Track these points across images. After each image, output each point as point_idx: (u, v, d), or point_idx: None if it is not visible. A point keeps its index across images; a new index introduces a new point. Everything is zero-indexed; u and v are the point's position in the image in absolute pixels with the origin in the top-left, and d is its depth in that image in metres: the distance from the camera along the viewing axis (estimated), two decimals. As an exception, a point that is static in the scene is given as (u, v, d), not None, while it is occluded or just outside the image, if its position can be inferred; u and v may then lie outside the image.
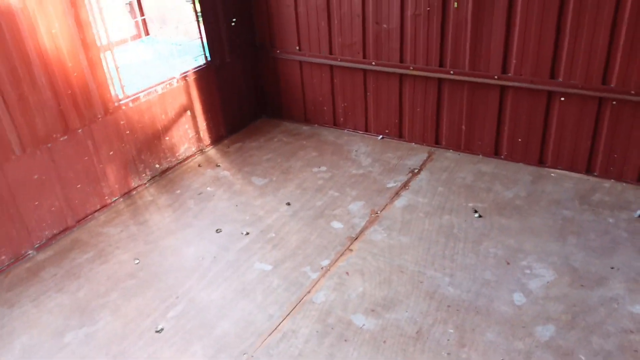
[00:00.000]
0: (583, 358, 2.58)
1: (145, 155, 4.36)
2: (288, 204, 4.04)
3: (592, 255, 3.26)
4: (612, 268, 3.15)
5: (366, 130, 4.98)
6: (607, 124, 3.78)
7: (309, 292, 3.16)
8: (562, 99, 3.87)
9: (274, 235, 3.69)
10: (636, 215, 3.57)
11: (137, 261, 3.54)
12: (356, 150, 4.74)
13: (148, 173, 4.42)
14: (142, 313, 3.11)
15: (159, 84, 4.40)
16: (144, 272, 3.44)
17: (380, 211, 3.88)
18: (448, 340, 2.75)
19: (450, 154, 4.58)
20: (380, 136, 4.91)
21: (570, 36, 3.64)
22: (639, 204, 3.69)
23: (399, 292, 3.11)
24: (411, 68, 4.39)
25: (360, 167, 4.48)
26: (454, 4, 3.96)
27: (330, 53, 4.77)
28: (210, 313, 3.07)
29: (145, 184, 4.40)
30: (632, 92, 3.56)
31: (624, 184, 3.91)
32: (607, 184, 3.96)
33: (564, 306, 2.90)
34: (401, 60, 4.44)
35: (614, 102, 3.69)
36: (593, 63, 3.64)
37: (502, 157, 4.37)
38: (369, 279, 3.22)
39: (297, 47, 4.94)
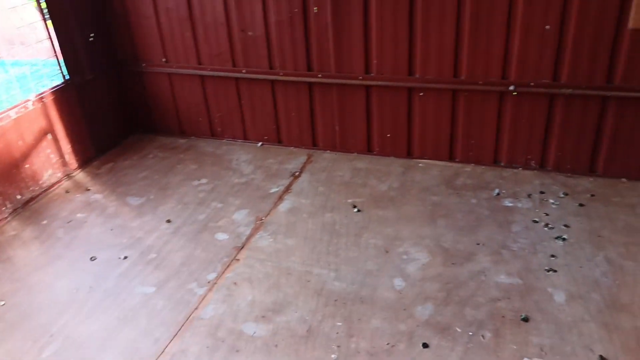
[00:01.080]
0: (459, 330, 2.78)
1: (4, 186, 3.98)
2: (168, 221, 3.90)
3: (460, 234, 3.54)
4: (478, 244, 3.44)
5: (245, 138, 4.97)
6: (463, 113, 4.13)
7: (196, 308, 3.08)
8: (421, 94, 4.16)
9: (155, 255, 3.55)
10: (494, 193, 3.93)
11: (3, 303, 3.21)
12: (237, 159, 4.72)
13: (8, 206, 4.03)
14: (13, 359, 2.82)
15: (11, 109, 4.04)
16: (11, 314, 3.13)
17: (265, 217, 3.89)
18: (337, 333, 2.83)
19: (327, 154, 4.73)
20: (260, 143, 4.93)
21: (422, 37, 3.93)
22: (496, 184, 4.07)
23: (287, 294, 3.14)
24: (281, 74, 4.47)
25: (242, 175, 4.46)
26: (314, 9, 4.09)
27: (199, 63, 4.70)
28: (91, 347, 2.87)
29: (7, 217, 4.01)
30: (480, 82, 3.93)
31: (483, 167, 4.30)
32: (469, 168, 4.32)
33: (439, 285, 3.11)
34: (270, 67, 4.49)
35: (466, 93, 4.04)
36: (444, 59, 3.96)
37: (375, 152, 4.59)
38: (258, 286, 3.22)
39: (164, 59, 4.80)
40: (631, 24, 3.31)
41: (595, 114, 3.77)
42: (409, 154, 4.50)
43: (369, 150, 4.61)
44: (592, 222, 3.53)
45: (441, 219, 3.72)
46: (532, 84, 3.79)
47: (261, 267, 3.38)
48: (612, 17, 3.43)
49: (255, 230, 3.74)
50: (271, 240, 3.64)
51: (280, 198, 4.13)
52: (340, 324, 2.89)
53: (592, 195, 3.81)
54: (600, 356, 2.54)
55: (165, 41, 4.71)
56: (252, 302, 3.09)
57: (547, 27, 3.59)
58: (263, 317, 2.99)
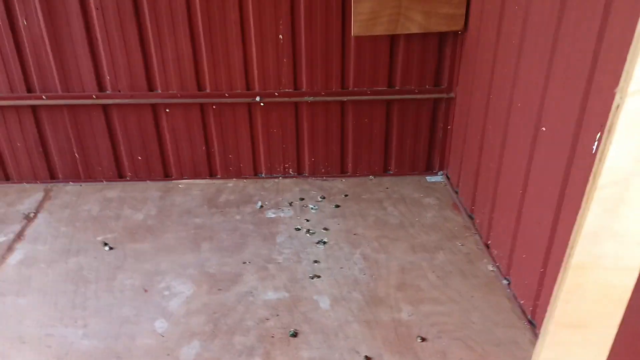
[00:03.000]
0: (229, 363, 2.57)
1: None
2: None
3: (226, 255, 3.35)
4: (244, 262, 3.29)
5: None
6: (215, 127, 3.95)
7: None
8: (167, 110, 3.86)
9: None
10: (258, 206, 3.85)
11: None
12: (-54, 208, 3.76)
13: None
14: None
15: None
16: None
17: (-11, 275, 3.14)
18: (87, 405, 2.36)
19: (70, 187, 4.09)
20: (-21, 183, 4.03)
21: (155, 48, 3.63)
22: (259, 196, 4.00)
23: (21, 371, 2.53)
24: (-5, 98, 3.70)
25: (-46, 227, 3.56)
26: (23, 22, 3.46)
27: None
28: None
29: None
30: (226, 94, 3.80)
31: (245, 180, 4.20)
32: (231, 183, 4.17)
33: (205, 317, 2.86)
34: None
35: (214, 106, 3.87)
36: (184, 72, 3.72)
37: (127, 178, 4.13)
38: (-23, 369, 2.53)
39: None
40: (353, 31, 3.54)
41: (338, 118, 3.97)
42: (167, 176, 4.16)
43: (120, 176, 4.12)
44: (347, 221, 3.69)
45: (205, 242, 3.48)
46: (276, 93, 3.81)
47: (-19, 342, 2.68)
48: (337, 27, 3.62)
49: (-26, 295, 2.98)
50: (-3, 304, 2.93)
51: (10, 249, 3.39)
52: (90, 392, 2.43)
53: (346, 196, 4.00)
54: (366, 357, 2.59)
55: None
56: (-32, 393, 2.41)
57: (280, 36, 3.62)
58: (-12, 407, 2.35)
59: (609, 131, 0.90)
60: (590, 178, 0.90)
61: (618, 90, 0.94)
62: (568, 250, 0.97)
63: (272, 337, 2.73)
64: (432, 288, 3.05)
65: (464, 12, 3.51)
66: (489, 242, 3.31)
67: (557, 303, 1.01)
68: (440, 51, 3.75)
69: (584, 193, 0.99)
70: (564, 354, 1.00)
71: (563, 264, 1.00)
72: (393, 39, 3.68)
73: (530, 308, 2.73)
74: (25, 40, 3.55)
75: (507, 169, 2.98)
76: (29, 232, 3.57)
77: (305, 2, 3.52)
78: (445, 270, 3.19)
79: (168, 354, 2.62)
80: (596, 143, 2.00)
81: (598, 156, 0.90)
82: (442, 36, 3.69)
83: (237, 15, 3.54)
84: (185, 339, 2.71)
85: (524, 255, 2.79)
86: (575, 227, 0.97)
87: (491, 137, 3.19)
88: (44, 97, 3.71)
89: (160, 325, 2.81)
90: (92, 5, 3.47)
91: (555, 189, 2.38)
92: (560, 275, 1.00)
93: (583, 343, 0.98)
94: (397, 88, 3.84)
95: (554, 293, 1.04)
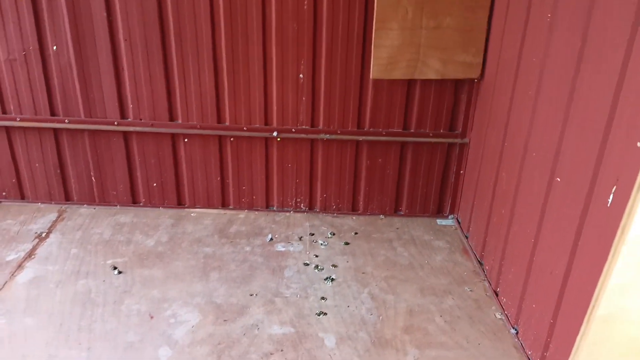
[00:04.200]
0: (231, 397, 2.54)
1: None
2: None
3: (233, 286, 3.35)
4: (252, 295, 3.28)
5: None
6: (231, 159, 4.02)
7: None
8: (186, 140, 3.94)
9: None
10: (268, 239, 3.87)
11: None
12: (-39, 223, 3.81)
13: None
14: None
15: None
16: None
17: (-2, 293, 3.16)
18: None
19: (84, 209, 4.14)
20: (-5, 201, 4.09)
21: (179, 81, 3.73)
22: (269, 229, 4.02)
23: (22, 391, 2.51)
24: (18, 119, 3.79)
25: (-33, 243, 3.59)
26: (53, 48, 3.59)
27: None
28: None
29: None
30: (245, 128, 3.87)
31: (256, 212, 4.23)
32: (242, 214, 4.21)
33: (209, 347, 2.84)
34: (4, 112, 3.79)
35: (232, 139, 3.94)
36: (205, 105, 3.81)
37: (141, 204, 4.17)
38: (-21, 387, 2.52)
39: None
40: (372, 74, 3.62)
41: (352, 157, 4.02)
42: (180, 204, 4.20)
43: (134, 202, 4.17)
44: (357, 259, 3.69)
45: (214, 271, 3.48)
46: (293, 130, 3.88)
47: (-14, 361, 2.67)
48: (356, 69, 3.71)
49: (-18, 312, 2.99)
50: (4, 322, 2.94)
51: (20, 266, 3.41)
52: (90, 417, 2.40)
53: (356, 234, 4.01)
54: (369, 398, 2.55)
55: None
56: (-32, 411, 2.39)
57: (301, 75, 3.72)
58: None
59: (639, 186, 0.92)
60: (618, 232, 0.91)
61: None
62: (592, 302, 0.98)
63: (276, 372, 2.70)
64: (440, 332, 3.02)
65: (482, 60, 3.60)
66: (498, 289, 3.29)
67: (579, 355, 1.00)
68: (456, 96, 3.83)
69: (604, 246, 1.01)
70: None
71: (586, 316, 1.01)
72: (410, 82, 3.76)
73: (539, 359, 2.68)
74: (54, 66, 3.67)
75: (519, 216, 2.99)
76: (39, 251, 3.59)
77: (327, 43, 3.63)
78: (453, 315, 3.16)
79: (171, 384, 2.60)
80: (612, 196, 2.02)
81: (627, 210, 0.92)
82: (458, 82, 3.76)
83: (261, 52, 3.65)
84: (189, 369, 2.69)
85: (533, 305, 2.77)
86: (601, 280, 0.98)
87: (504, 184, 3.22)
88: (66, 120, 3.81)
89: (165, 353, 2.79)
90: (121, 37, 3.60)
91: (569, 239, 2.38)
92: (582, 327, 1.00)
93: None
94: (411, 131, 3.90)
95: (576, 345, 1.04)
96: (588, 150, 2.25)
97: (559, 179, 2.50)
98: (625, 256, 0.94)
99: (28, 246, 3.64)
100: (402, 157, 4.03)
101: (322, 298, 3.27)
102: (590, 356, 0.97)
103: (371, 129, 3.90)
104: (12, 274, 3.34)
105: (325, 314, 3.14)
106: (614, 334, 0.97)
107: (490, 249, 3.46)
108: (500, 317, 3.15)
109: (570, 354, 1.08)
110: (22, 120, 3.79)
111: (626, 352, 1.01)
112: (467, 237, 3.93)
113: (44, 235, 3.78)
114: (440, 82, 3.75)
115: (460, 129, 3.90)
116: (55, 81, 3.72)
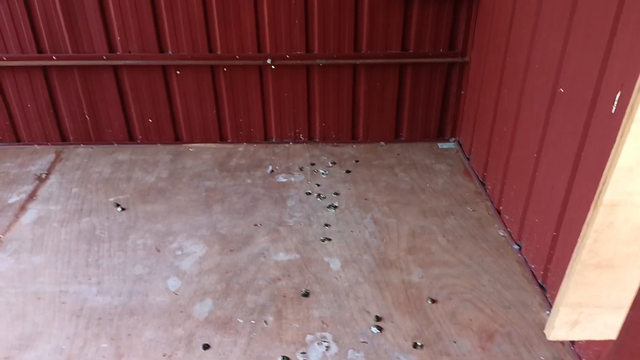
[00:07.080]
0: (241, 321, 2.60)
1: None
2: None
3: (237, 217, 3.37)
4: (256, 225, 3.30)
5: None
6: (225, 90, 3.92)
7: None
8: (178, 72, 3.82)
9: None
10: (268, 171, 3.85)
11: None
12: (-41, 168, 3.78)
13: None
14: None
15: None
16: None
17: (4, 234, 3.17)
18: (103, 357, 2.41)
19: (81, 149, 4.10)
20: (-9, 145, 4.04)
21: (166, 9, 3.57)
22: (270, 160, 3.99)
23: (37, 324, 2.58)
24: (4, 58, 3.67)
25: (-33, 187, 3.58)
26: None
27: None
28: None
29: None
30: (237, 57, 3.75)
31: (255, 145, 4.18)
32: (241, 147, 4.16)
33: (217, 276, 2.89)
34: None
35: (225, 69, 3.83)
36: (195, 34, 3.66)
37: (138, 141, 4.12)
38: (-4, 322, 2.58)
39: None
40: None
41: (349, 83, 3.92)
42: (177, 139, 4.15)
43: (130, 139, 4.12)
44: (358, 186, 3.68)
45: (217, 204, 3.49)
46: (287, 56, 3.75)
47: (0, 297, 2.73)
48: (352, -13, 3.55)
49: (-10, 253, 3.02)
50: (12, 261, 2.97)
51: (23, 208, 3.42)
52: (106, 345, 2.47)
53: (357, 161, 3.98)
54: (376, 316, 2.62)
55: None
56: (-13, 344, 2.46)
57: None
58: (7, 358, 2.40)
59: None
60: (627, 110, 0.87)
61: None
62: (599, 188, 0.96)
63: (284, 296, 2.76)
64: (443, 251, 3.06)
65: (481, -27, 3.42)
66: (501, 207, 3.30)
67: (585, 242, 1.00)
68: (455, 14, 3.67)
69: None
70: (589, 295, 0.99)
71: (593, 202, 0.99)
72: (407, 1, 3.60)
73: (541, 272, 2.73)
74: (35, 0, 3.51)
75: (521, 133, 2.95)
76: (41, 192, 3.59)
77: (319, -39, 3.45)
78: (455, 235, 3.19)
79: (181, 311, 2.66)
80: (616, 102, 1.97)
81: (635, 89, 0.87)
82: (457, -1, 3.61)
83: (249, -26, 3.48)
84: (198, 297, 2.75)
85: (536, 220, 2.79)
86: (609, 164, 0.95)
87: (506, 101, 3.15)
88: (54, 57, 3.68)
89: (173, 283, 2.84)
90: (102, -36, 3.43)
91: (572, 151, 2.35)
92: (589, 213, 0.98)
93: (609, 284, 0.97)
94: (410, 51, 3.78)
95: (582, 232, 1.03)
96: (592, 57, 2.17)
97: (562, 90, 2.44)
98: (634, 136, 0.90)
99: (29, 188, 3.63)
100: (401, 80, 3.93)
101: (326, 225, 3.29)
102: (595, 243, 0.96)
103: (369, 52, 3.77)
104: (16, 216, 3.35)
105: (330, 239, 3.17)
106: (620, 220, 0.95)
107: (492, 169, 3.44)
108: (502, 234, 3.18)
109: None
110: (8, 59, 3.67)
111: (631, 239, 1.00)
112: (468, 159, 3.91)
113: (43, 176, 3.76)
114: (439, 0, 3.59)
115: (461, 48, 3.78)
116: (39, 16, 3.57)
